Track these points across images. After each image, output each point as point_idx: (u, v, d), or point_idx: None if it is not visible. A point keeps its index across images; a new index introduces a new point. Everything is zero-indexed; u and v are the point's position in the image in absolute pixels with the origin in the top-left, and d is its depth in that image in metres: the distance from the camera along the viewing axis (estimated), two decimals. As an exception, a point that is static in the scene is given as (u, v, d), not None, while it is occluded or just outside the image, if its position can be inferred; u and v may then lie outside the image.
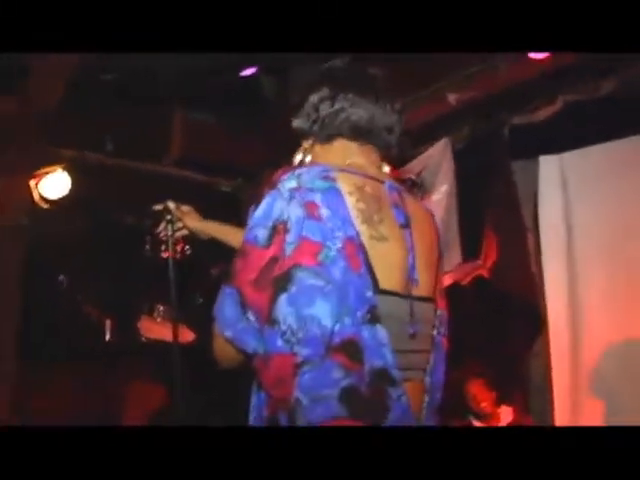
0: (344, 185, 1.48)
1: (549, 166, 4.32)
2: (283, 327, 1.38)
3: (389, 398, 1.40)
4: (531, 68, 3.67)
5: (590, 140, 4.10)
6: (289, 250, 1.40)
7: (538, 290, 4.27)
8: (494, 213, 4.33)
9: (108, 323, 5.45)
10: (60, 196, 4.81)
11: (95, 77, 4.44)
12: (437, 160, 4.52)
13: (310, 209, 1.42)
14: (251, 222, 1.48)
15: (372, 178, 1.56)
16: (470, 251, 4.40)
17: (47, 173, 4.75)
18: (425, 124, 4.14)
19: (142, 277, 5.58)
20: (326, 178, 1.47)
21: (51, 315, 5.15)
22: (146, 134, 4.98)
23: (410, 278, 1.52)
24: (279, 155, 5.20)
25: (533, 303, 4.24)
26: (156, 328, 5.44)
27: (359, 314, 1.39)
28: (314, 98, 1.63)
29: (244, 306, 1.43)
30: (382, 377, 1.39)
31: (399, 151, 1.71)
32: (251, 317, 1.42)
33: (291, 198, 1.43)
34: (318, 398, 1.36)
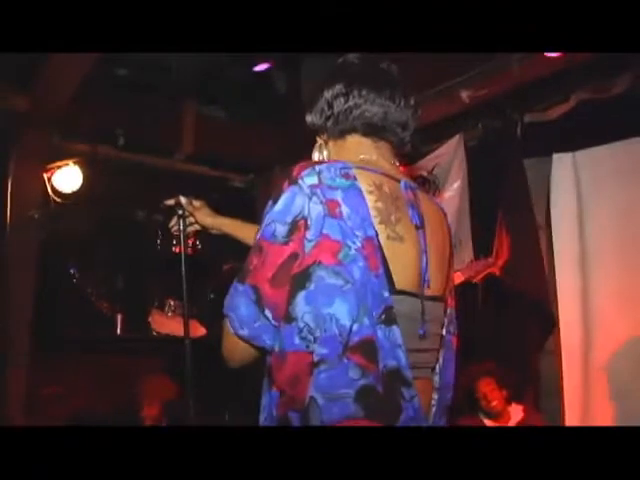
0: (364, 183, 1.47)
1: (562, 164, 4.29)
2: (300, 324, 1.37)
3: (402, 399, 1.40)
4: (544, 66, 3.66)
5: (603, 138, 4.08)
6: (309, 247, 1.39)
7: (550, 288, 4.25)
8: (506, 211, 4.32)
9: (119, 317, 5.47)
10: (72, 190, 4.83)
11: (108, 72, 4.46)
12: (449, 157, 4.51)
13: (331, 207, 1.40)
14: (269, 217, 1.45)
15: (389, 176, 1.55)
16: (482, 249, 4.39)
17: (59, 167, 4.77)
18: (438, 121, 4.14)
19: (153, 272, 5.61)
20: (347, 176, 1.46)
21: (63, 308, 5.18)
22: (158, 129, 5.00)
23: (423, 278, 1.52)
24: (291, 150, 5.23)
25: (545, 301, 4.21)
26: (167, 323, 5.46)
27: (375, 314, 1.39)
28: (328, 94, 1.62)
29: (261, 304, 1.42)
30: (396, 377, 1.39)
31: (411, 147, 1.70)
32: (268, 314, 1.41)
33: (312, 195, 1.41)
34: (334, 398, 1.35)
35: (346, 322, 1.36)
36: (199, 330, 5.11)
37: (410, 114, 1.63)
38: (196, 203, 2.22)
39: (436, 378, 1.59)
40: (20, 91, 4.29)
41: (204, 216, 2.21)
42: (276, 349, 1.42)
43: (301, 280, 1.38)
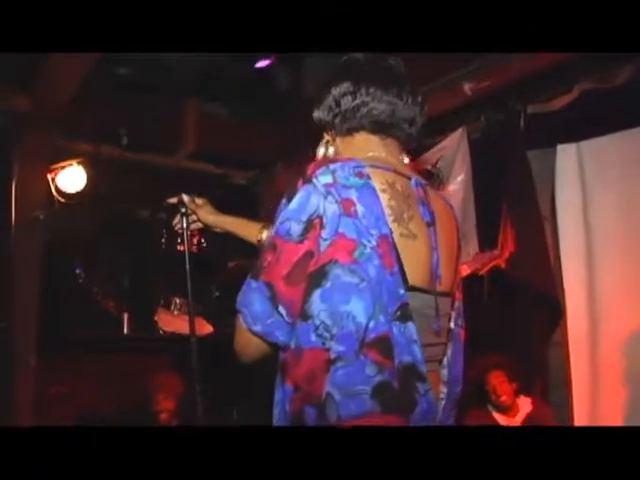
0: (377, 182, 1.48)
1: (566, 155, 4.27)
2: (316, 322, 1.40)
3: (417, 393, 1.43)
4: (547, 57, 3.64)
5: (607, 128, 4.06)
6: (324, 246, 1.41)
7: (556, 280, 4.24)
8: (511, 203, 4.30)
9: (125, 316, 5.47)
10: (76, 190, 4.83)
11: (109, 72, 4.46)
12: (453, 150, 4.50)
13: (346, 206, 1.42)
14: (283, 215, 1.47)
15: (400, 174, 1.57)
16: (487, 241, 4.38)
17: (63, 167, 4.78)
18: (440, 114, 4.12)
19: (158, 270, 5.61)
20: (360, 175, 1.47)
21: (70, 308, 5.19)
22: (161, 128, 5.00)
23: (434, 274, 1.54)
24: (293, 147, 5.22)
25: (551, 293, 4.20)
26: (173, 321, 5.46)
27: (390, 311, 1.41)
28: (336, 91, 1.63)
29: (275, 301, 1.44)
30: (411, 373, 1.42)
31: (417, 142, 1.72)
32: (282, 311, 1.44)
33: (327, 193, 1.43)
34: (351, 394, 1.38)
35: (362, 319, 1.38)
36: (205, 328, 5.11)
37: (417, 111, 1.64)
38: (199, 201, 2.23)
39: (444, 371, 1.61)
40: (22, 91, 4.29)
41: (206, 214, 2.22)
42: (292, 346, 1.45)
43: (317, 278, 1.40)
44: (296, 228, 1.43)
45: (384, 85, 1.61)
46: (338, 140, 1.68)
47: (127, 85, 4.75)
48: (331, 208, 1.41)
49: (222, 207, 2.30)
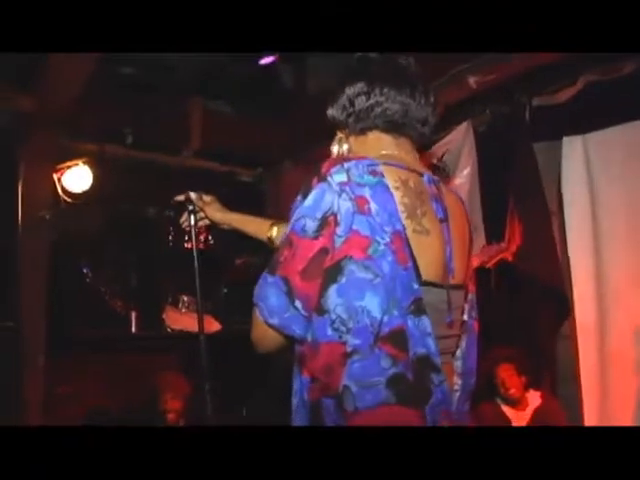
0: (390, 179, 1.52)
1: (572, 147, 4.26)
2: (333, 316, 1.44)
3: (432, 384, 1.47)
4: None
5: (613, 120, 4.05)
6: (339, 242, 1.45)
7: (563, 273, 4.23)
8: (517, 196, 4.29)
9: (133, 315, 5.48)
10: (82, 190, 4.84)
11: (113, 71, 4.46)
12: (459, 144, 4.49)
13: (360, 203, 1.46)
14: (299, 212, 1.51)
15: (413, 171, 1.61)
16: (494, 234, 4.38)
17: (69, 167, 4.78)
18: (446, 108, 4.10)
19: (165, 268, 5.62)
20: (374, 173, 1.51)
21: (77, 308, 5.20)
22: (166, 126, 5.00)
23: (447, 268, 1.59)
24: (299, 143, 5.21)
25: (558, 286, 4.19)
26: (181, 319, 5.47)
27: (404, 305, 1.45)
28: (350, 91, 1.67)
29: (291, 295, 1.48)
30: (426, 364, 1.46)
31: (429, 140, 1.77)
32: (298, 305, 1.48)
33: (341, 191, 1.46)
34: (367, 385, 1.42)
35: (377, 314, 1.42)
36: (213, 325, 5.12)
37: (430, 111, 1.69)
38: (206, 198, 2.25)
39: (458, 363, 1.65)
40: (26, 92, 4.29)
41: (214, 211, 2.24)
42: (308, 339, 1.49)
43: (333, 274, 1.45)
44: (311, 225, 1.47)
45: (397, 85, 1.64)
46: (351, 138, 1.72)
47: (132, 84, 4.75)
48: (345, 205, 1.45)
49: (228, 205, 2.30)
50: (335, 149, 1.75)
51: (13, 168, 4.45)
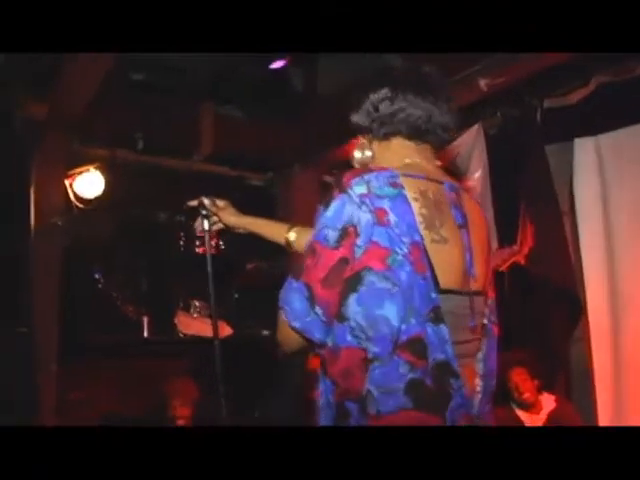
0: (409, 191, 1.56)
1: (584, 149, 4.24)
2: (352, 324, 1.50)
3: (452, 389, 1.52)
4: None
5: (625, 121, 4.03)
6: (359, 253, 1.50)
7: (576, 275, 4.21)
8: (529, 198, 4.28)
9: (145, 320, 5.49)
10: (94, 195, 4.85)
11: (124, 77, 4.48)
12: (470, 147, 4.48)
13: (379, 215, 1.51)
14: (321, 222, 1.56)
15: (433, 180, 1.65)
16: (506, 237, 4.36)
17: (80, 173, 4.80)
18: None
19: (176, 273, 5.63)
20: (394, 185, 1.55)
21: (88, 313, 5.21)
22: (176, 131, 5.01)
23: (468, 273, 1.63)
24: (309, 147, 5.20)
25: (572, 289, 4.18)
26: (193, 324, 5.47)
27: (423, 313, 1.50)
28: (374, 97, 1.71)
29: (312, 301, 1.54)
30: (445, 370, 1.51)
31: (447, 145, 1.82)
32: (318, 311, 1.54)
33: (361, 203, 1.51)
34: (387, 391, 1.48)
35: (395, 323, 1.48)
36: (225, 330, 5.12)
37: (452, 117, 1.73)
38: (220, 203, 2.26)
39: (480, 365, 1.68)
40: (38, 98, 4.31)
41: (229, 215, 2.26)
42: (329, 344, 1.56)
43: (353, 283, 1.50)
44: (332, 235, 1.53)
45: (421, 92, 1.69)
46: (375, 144, 1.76)
47: (142, 89, 4.76)
48: (365, 217, 1.50)
49: (240, 209, 2.30)
50: (358, 154, 1.78)
51: (25, 174, 4.46)
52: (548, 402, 4.07)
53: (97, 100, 4.06)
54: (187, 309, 5.65)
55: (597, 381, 4.11)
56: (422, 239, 1.53)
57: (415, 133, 1.71)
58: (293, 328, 1.59)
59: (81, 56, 3.49)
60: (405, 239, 1.50)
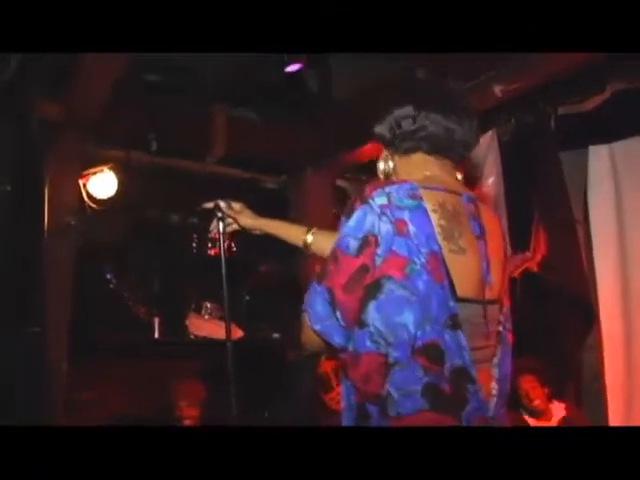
0: (429, 203, 1.62)
1: (598, 156, 4.24)
2: (372, 329, 1.57)
3: (468, 393, 1.57)
4: (578, 57, 3.60)
5: (640, 129, 4.02)
6: (379, 262, 1.56)
7: (589, 282, 4.19)
8: (543, 205, 4.27)
9: (157, 321, 5.49)
10: (108, 196, 4.87)
11: (139, 78, 4.49)
12: (483, 153, 4.47)
13: (399, 226, 1.57)
14: (343, 231, 1.62)
15: (452, 192, 1.70)
16: (519, 244, 4.35)
17: (94, 173, 4.82)
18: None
19: (188, 274, 5.64)
20: (414, 197, 1.61)
21: (100, 313, 5.22)
22: (190, 133, 5.02)
23: (485, 282, 1.69)
24: (323, 150, 5.20)
25: (584, 296, 4.16)
26: (205, 325, 5.47)
27: (441, 321, 1.56)
28: (398, 113, 1.75)
29: (333, 305, 1.61)
30: (462, 375, 1.57)
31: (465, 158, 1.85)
32: (338, 315, 1.61)
33: (382, 214, 1.57)
34: (406, 393, 1.54)
35: (412, 329, 1.54)
36: (236, 332, 5.12)
37: (472, 135, 1.78)
38: (235, 205, 2.28)
39: (495, 369, 1.73)
40: (53, 99, 4.33)
41: (245, 217, 2.28)
42: (349, 348, 1.62)
43: (372, 291, 1.57)
44: (353, 244, 1.59)
45: (444, 110, 1.73)
46: (396, 157, 1.82)
47: (156, 91, 4.78)
48: (385, 228, 1.57)
49: (253, 211, 2.31)
50: (381, 166, 1.84)
51: (40, 174, 4.48)
52: (558, 410, 4.05)
53: (111, 101, 4.08)
54: (198, 311, 5.65)
55: (609, 389, 4.09)
56: (440, 249, 1.59)
57: (436, 150, 1.76)
58: (314, 331, 1.65)
59: (96, 57, 3.51)
60: (423, 249, 1.56)
